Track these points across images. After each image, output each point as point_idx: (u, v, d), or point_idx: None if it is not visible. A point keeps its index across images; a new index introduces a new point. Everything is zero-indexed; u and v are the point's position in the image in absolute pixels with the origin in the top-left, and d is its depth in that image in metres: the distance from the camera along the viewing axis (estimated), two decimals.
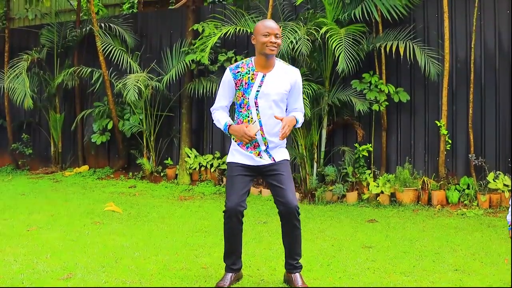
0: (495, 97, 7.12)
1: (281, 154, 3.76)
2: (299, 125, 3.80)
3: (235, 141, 3.74)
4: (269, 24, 3.64)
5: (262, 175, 3.78)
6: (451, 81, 7.26)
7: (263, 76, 3.66)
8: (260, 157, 3.69)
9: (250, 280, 3.94)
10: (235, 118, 3.79)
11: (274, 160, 3.71)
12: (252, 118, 3.65)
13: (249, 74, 3.67)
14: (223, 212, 3.71)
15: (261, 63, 3.67)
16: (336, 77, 7.53)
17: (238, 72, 3.70)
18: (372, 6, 7.10)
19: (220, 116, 3.75)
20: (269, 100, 3.64)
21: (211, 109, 3.87)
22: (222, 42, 8.42)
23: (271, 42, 3.57)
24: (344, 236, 5.39)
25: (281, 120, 3.58)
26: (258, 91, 3.64)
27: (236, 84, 3.69)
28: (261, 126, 3.64)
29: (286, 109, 3.81)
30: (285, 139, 3.76)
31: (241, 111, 3.71)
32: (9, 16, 10.83)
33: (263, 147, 3.69)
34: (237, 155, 3.74)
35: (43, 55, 9.77)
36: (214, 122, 3.82)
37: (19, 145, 10.30)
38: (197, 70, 8.65)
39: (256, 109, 3.64)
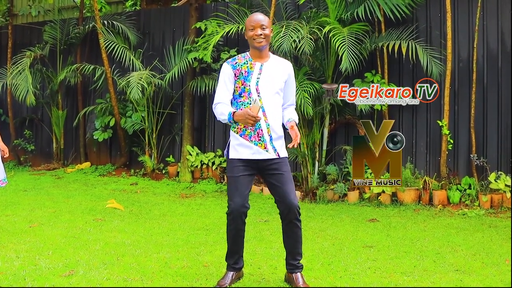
0: (497, 97, 7.11)
1: (284, 149, 3.78)
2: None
3: (237, 133, 3.70)
4: (254, 17, 3.70)
5: (262, 173, 3.75)
6: (453, 81, 7.26)
7: (261, 65, 3.73)
8: (266, 150, 3.68)
9: (251, 279, 3.95)
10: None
11: (278, 155, 3.70)
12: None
13: (247, 64, 3.74)
14: (227, 213, 3.70)
15: (256, 55, 3.75)
16: (338, 76, 7.54)
17: (236, 63, 3.75)
18: (375, 5, 7.10)
19: (222, 108, 3.68)
20: (270, 88, 3.69)
21: (212, 105, 3.81)
22: (225, 40, 8.43)
23: (256, 35, 3.64)
24: (345, 235, 5.40)
25: (293, 129, 3.65)
26: (259, 78, 3.69)
27: (235, 74, 3.72)
28: (264, 111, 3.66)
29: (282, 102, 3.84)
30: (283, 132, 3.79)
31: (241, 101, 3.70)
32: (12, 12, 10.85)
33: (267, 137, 3.67)
34: (240, 149, 3.69)
35: (46, 52, 9.80)
36: (217, 117, 3.73)
37: (21, 141, 10.34)
38: (200, 68, 8.66)
39: (258, 95, 3.67)
